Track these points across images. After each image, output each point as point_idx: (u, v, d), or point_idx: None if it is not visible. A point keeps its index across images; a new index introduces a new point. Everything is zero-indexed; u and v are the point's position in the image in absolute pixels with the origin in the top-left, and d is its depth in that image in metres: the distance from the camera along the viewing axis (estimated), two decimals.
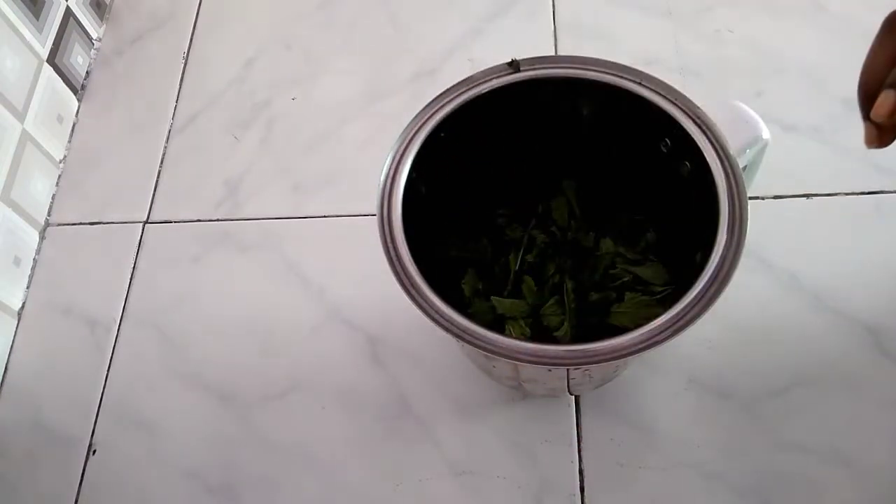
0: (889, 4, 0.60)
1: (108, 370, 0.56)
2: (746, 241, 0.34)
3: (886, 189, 0.55)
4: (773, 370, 0.50)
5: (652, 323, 0.33)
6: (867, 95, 0.32)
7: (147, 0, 0.73)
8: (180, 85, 0.67)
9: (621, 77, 0.39)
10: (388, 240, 0.36)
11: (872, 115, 0.31)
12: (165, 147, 0.65)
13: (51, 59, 0.64)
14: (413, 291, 0.35)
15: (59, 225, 0.62)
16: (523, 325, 0.45)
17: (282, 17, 0.70)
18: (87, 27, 0.69)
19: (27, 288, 0.60)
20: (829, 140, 0.57)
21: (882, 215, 0.54)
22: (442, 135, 0.40)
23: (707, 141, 0.37)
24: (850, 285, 0.52)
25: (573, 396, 0.50)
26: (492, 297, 0.46)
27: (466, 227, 0.48)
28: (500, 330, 0.41)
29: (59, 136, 0.65)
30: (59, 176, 0.65)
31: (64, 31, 0.66)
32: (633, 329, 0.33)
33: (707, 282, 0.33)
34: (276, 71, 0.67)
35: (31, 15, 0.61)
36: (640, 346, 0.33)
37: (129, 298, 0.58)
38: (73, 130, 0.67)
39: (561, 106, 0.42)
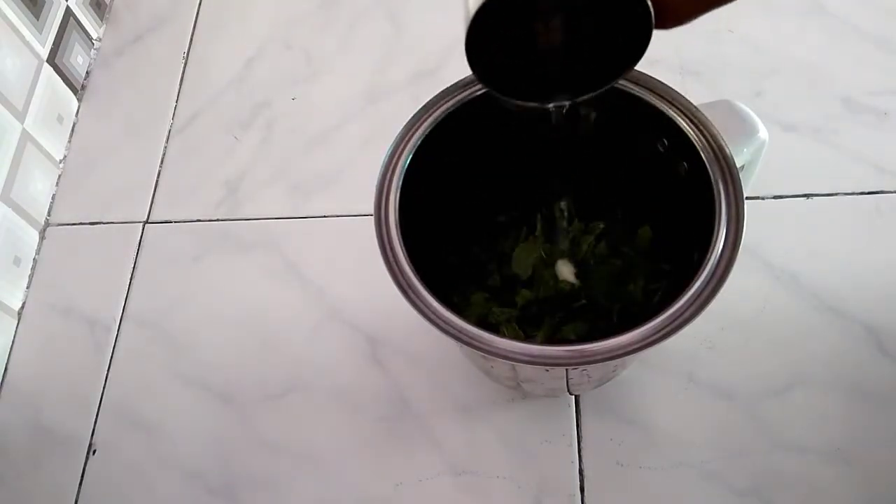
0: (888, 4, 0.61)
1: (108, 370, 0.56)
2: (743, 240, 0.34)
3: (886, 189, 0.55)
4: (773, 370, 0.50)
5: (649, 322, 0.33)
6: None
7: (147, 0, 0.73)
8: (180, 85, 0.67)
9: None
10: (385, 241, 0.36)
11: None
12: (165, 147, 0.65)
13: (51, 59, 0.64)
14: (410, 293, 0.35)
15: (59, 225, 0.63)
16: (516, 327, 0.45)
17: (282, 17, 0.70)
18: (87, 27, 0.69)
19: (27, 288, 0.60)
20: (829, 140, 0.57)
21: (882, 215, 0.54)
22: (440, 135, 0.40)
23: (704, 141, 0.37)
24: (850, 285, 0.52)
25: (573, 396, 0.50)
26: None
27: (465, 229, 0.48)
28: (497, 331, 0.41)
29: (59, 136, 0.65)
30: (59, 176, 0.65)
31: (64, 31, 0.66)
32: (631, 329, 0.33)
33: (704, 281, 0.33)
34: (276, 71, 0.67)
35: (31, 15, 0.61)
36: (638, 346, 0.33)
37: (129, 298, 0.58)
38: (73, 130, 0.67)
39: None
